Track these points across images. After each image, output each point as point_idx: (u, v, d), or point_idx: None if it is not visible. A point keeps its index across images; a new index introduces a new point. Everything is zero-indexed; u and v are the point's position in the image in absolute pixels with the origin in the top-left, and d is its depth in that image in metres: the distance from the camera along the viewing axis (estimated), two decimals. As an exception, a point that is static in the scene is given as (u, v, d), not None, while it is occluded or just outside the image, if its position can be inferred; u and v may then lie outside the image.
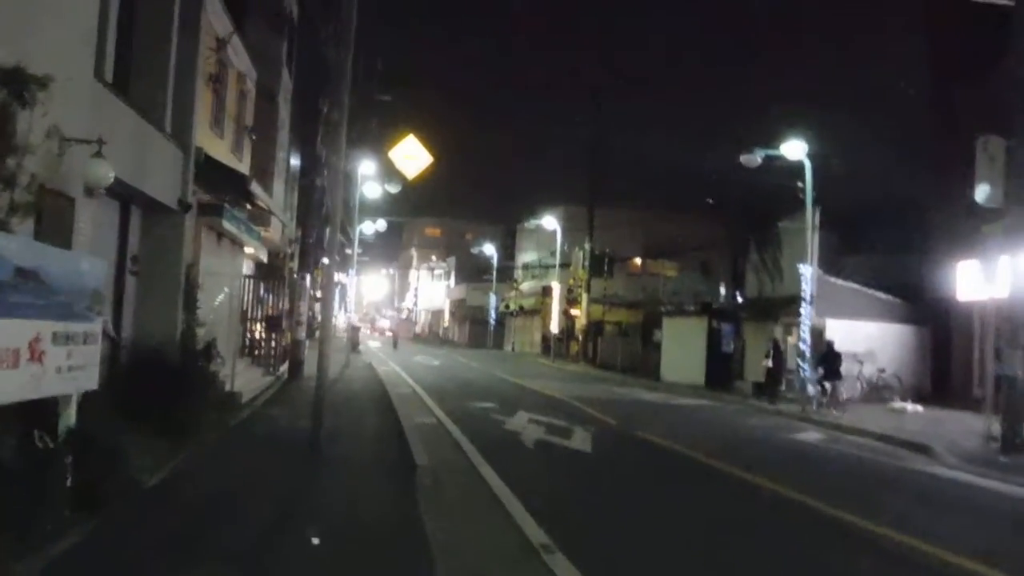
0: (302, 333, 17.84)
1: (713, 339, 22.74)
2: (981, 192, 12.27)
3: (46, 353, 4.66)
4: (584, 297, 35.35)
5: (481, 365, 29.28)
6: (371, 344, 44.14)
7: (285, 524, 5.69)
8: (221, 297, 12.99)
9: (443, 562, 4.88)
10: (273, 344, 17.51)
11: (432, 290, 69.83)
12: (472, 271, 58.46)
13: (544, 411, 14.03)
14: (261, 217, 15.27)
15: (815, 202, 17.63)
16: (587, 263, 35.26)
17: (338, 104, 10.77)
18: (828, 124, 21.42)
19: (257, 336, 17.36)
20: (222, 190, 11.58)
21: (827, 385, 16.54)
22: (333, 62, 14.59)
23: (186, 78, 10.00)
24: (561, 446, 10.35)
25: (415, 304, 73.61)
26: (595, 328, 34.31)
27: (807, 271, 17.24)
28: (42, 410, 4.91)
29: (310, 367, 14.90)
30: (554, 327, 38.86)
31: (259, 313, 17.51)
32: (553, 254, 40.22)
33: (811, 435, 13.31)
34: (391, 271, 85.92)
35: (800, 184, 17.73)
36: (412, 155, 18.74)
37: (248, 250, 15.38)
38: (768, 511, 7.39)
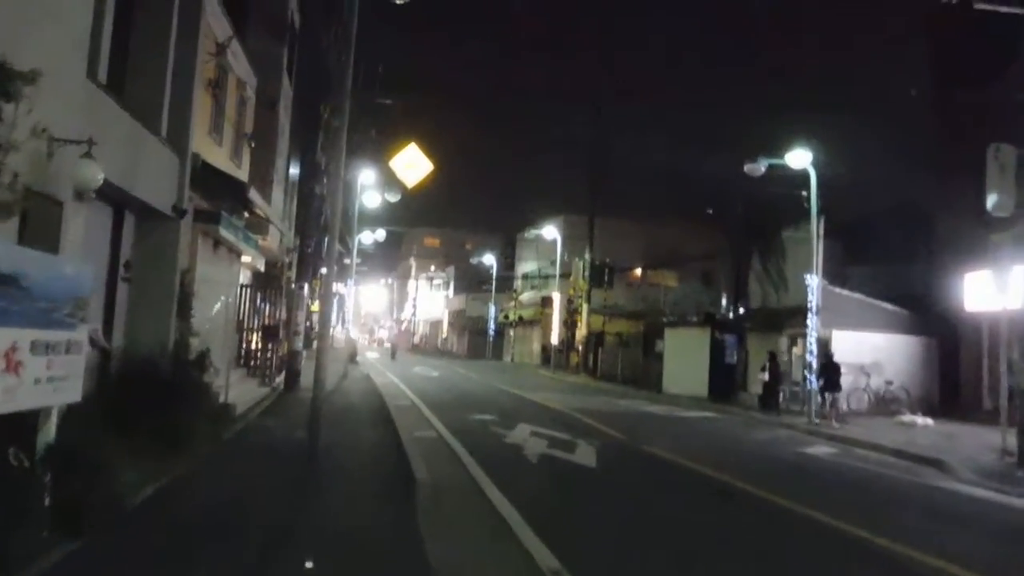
0: (299, 343, 17.57)
1: (716, 350, 22.40)
2: (991, 200, 12.06)
3: (23, 363, 4.39)
4: (584, 307, 35.09)
5: (480, 376, 28.96)
6: (369, 355, 43.90)
7: (279, 543, 5.40)
8: (217, 306, 12.74)
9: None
10: (269, 355, 17.23)
11: (431, 300, 69.53)
12: (471, 281, 58.19)
13: (546, 424, 13.74)
14: (259, 225, 15.03)
15: (820, 211, 17.43)
16: (587, 273, 35.03)
17: (339, 110, 10.58)
18: (832, 131, 21.29)
19: (253, 346, 17.09)
20: (220, 197, 11.38)
21: (827, 396, 16.30)
22: (334, 68, 14.43)
23: (184, 82, 9.79)
24: (564, 460, 10.04)
25: (414, 315, 73.28)
26: (596, 339, 34.01)
27: (813, 281, 16.97)
28: (19, 425, 4.62)
29: (307, 378, 14.62)
30: (554, 338, 38.59)
31: (256, 323, 17.24)
32: (553, 264, 40.00)
33: (820, 449, 13.01)
34: (390, 281, 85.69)
35: (805, 193, 17.50)
36: (413, 164, 18.56)
37: (245, 259, 15.11)
38: (785, 529, 7.08)
